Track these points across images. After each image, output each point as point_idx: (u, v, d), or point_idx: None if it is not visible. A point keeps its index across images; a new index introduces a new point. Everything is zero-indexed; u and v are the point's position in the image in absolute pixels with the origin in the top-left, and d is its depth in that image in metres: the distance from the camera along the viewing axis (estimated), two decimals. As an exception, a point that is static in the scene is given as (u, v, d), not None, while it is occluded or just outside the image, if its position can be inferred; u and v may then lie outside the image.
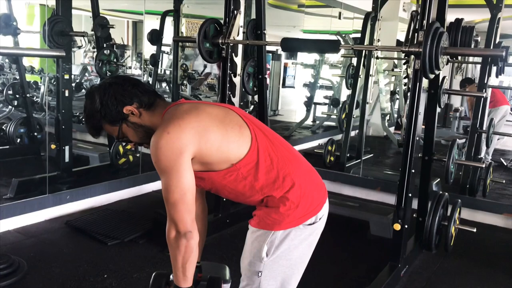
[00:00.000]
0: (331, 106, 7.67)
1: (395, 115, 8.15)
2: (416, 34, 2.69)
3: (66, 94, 4.19)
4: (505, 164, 6.42)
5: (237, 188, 1.56)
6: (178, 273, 1.50)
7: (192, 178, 1.46)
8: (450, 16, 3.36)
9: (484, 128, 4.78)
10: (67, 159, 4.26)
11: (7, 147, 5.21)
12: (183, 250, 1.46)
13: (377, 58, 5.99)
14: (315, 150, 6.31)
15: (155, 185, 4.69)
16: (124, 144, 1.57)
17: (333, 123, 7.58)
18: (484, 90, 4.48)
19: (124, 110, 1.53)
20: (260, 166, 1.52)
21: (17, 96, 5.46)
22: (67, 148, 4.26)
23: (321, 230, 1.67)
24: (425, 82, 2.88)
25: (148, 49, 7.07)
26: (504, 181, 5.25)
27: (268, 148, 1.55)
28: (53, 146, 4.28)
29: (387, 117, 7.59)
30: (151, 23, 6.71)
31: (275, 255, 1.56)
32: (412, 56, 2.72)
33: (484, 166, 4.27)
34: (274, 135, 1.62)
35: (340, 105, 6.42)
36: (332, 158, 5.69)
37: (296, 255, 1.59)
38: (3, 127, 5.43)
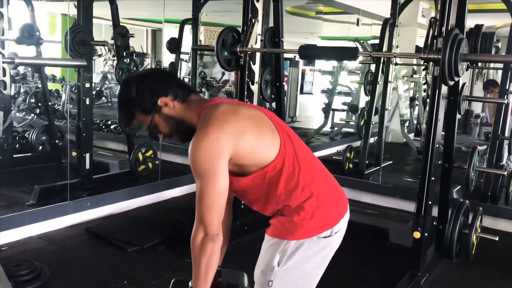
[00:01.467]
0: (350, 113, 7.63)
1: (415, 122, 8.08)
2: (435, 40, 2.67)
3: (87, 102, 4.26)
4: (528, 171, 6.29)
5: (259, 193, 1.56)
6: (200, 276, 1.49)
7: (227, 181, 1.47)
8: (470, 22, 3.33)
9: (506, 135, 4.70)
10: (87, 166, 4.32)
11: (30, 154, 5.31)
12: (209, 253, 1.45)
13: (396, 64, 5.96)
14: (333, 157, 6.29)
15: (174, 192, 4.73)
16: (154, 134, 1.60)
17: (351, 130, 7.54)
18: (505, 96, 4.41)
19: (159, 101, 1.55)
20: (283, 173, 1.52)
21: (39, 104, 5.57)
22: (87, 155, 4.32)
23: (337, 244, 1.65)
24: (444, 89, 2.86)
25: (167, 57, 7.14)
26: (527, 189, 5.14)
27: (293, 156, 1.55)
28: (74, 154, 4.34)
29: (407, 124, 7.52)
30: (170, 32, 6.79)
31: (287, 265, 1.55)
32: (431, 63, 2.71)
33: (506, 173, 4.20)
34: (299, 143, 1.62)
35: (359, 112, 6.40)
36: (351, 165, 5.66)
37: (308, 267, 1.58)
38: (25, 134, 5.54)
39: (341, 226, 1.61)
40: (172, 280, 1.73)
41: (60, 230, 3.73)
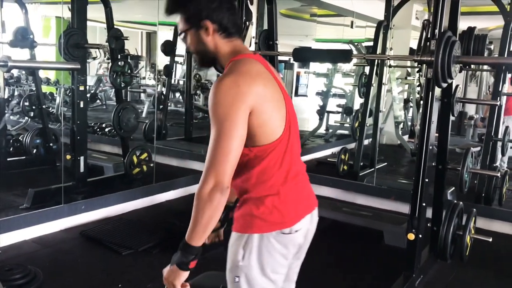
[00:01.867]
0: (344, 115, 7.65)
1: (409, 123, 8.11)
2: (428, 43, 2.69)
3: (81, 105, 4.25)
4: (522, 172, 6.32)
5: (239, 172, 1.52)
6: (199, 228, 1.41)
7: (245, 135, 1.42)
8: (463, 24, 3.35)
9: (499, 136, 4.73)
10: (82, 169, 4.31)
11: (24, 157, 5.29)
12: (215, 203, 1.38)
13: (390, 66, 5.98)
14: (328, 159, 6.31)
15: (169, 195, 4.72)
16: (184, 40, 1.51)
17: (346, 132, 7.56)
18: (498, 98, 4.44)
19: (203, 22, 1.51)
20: (262, 163, 1.50)
21: (33, 107, 5.56)
22: (82, 158, 4.31)
23: (297, 243, 1.60)
24: (438, 91, 2.87)
25: (162, 60, 7.15)
26: (520, 190, 5.17)
27: (282, 153, 1.53)
28: (68, 157, 4.32)
29: (401, 125, 7.55)
30: (165, 34, 6.79)
31: (250, 259, 1.53)
32: (424, 65, 2.72)
33: (499, 174, 4.22)
34: (295, 139, 1.59)
35: (353, 114, 6.41)
36: (345, 167, 5.67)
37: (270, 263, 1.55)
38: (19, 137, 5.53)
39: (302, 226, 1.58)
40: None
41: (54, 233, 3.72)
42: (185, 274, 1.48)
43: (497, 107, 4.54)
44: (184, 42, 1.59)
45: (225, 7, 1.51)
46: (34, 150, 5.34)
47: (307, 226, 1.62)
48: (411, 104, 7.82)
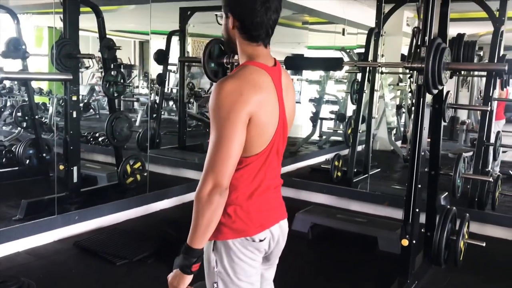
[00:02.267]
0: (337, 121, 7.67)
1: (402, 129, 8.15)
2: (418, 50, 2.72)
3: (74, 115, 4.24)
4: (514, 176, 6.37)
5: None
6: (199, 230, 1.43)
7: (244, 139, 1.43)
8: (454, 30, 3.39)
9: (491, 141, 4.76)
10: (75, 180, 4.29)
11: (16, 168, 5.27)
12: (215, 205, 1.40)
13: (382, 73, 6.02)
14: (322, 166, 6.32)
15: (163, 204, 4.71)
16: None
17: (339, 138, 7.58)
18: (489, 103, 4.48)
19: (228, 13, 1.51)
20: (236, 173, 1.49)
21: (26, 118, 5.54)
22: (75, 168, 4.30)
23: (263, 250, 1.60)
24: (429, 97, 2.90)
25: (155, 69, 7.15)
26: (513, 194, 5.21)
27: (256, 169, 1.53)
28: (61, 167, 4.31)
29: (394, 131, 7.58)
30: (157, 43, 6.81)
31: (222, 266, 1.54)
32: (415, 72, 2.75)
33: (491, 179, 4.25)
34: (274, 158, 1.58)
35: (346, 120, 6.43)
36: (339, 174, 5.69)
37: (241, 269, 1.55)
38: (12, 148, 5.50)
39: (267, 235, 1.58)
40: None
41: (48, 244, 3.70)
42: (189, 278, 1.49)
43: (488, 112, 4.58)
44: (219, 23, 1.60)
45: (250, 6, 1.46)
46: (27, 161, 5.32)
47: (274, 235, 1.62)
48: (404, 110, 7.86)
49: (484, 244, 3.29)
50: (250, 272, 1.58)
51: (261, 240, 1.56)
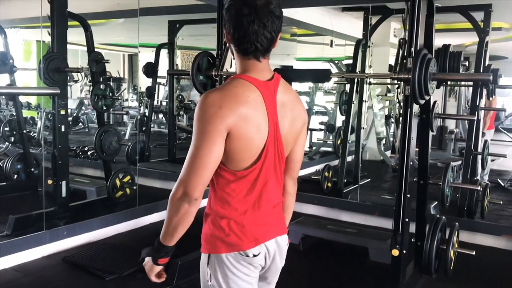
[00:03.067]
0: (327, 132, 7.70)
1: (391, 139, 8.19)
2: (404, 61, 2.75)
3: (62, 129, 4.22)
4: (503, 184, 6.42)
5: (210, 192, 1.58)
6: (168, 231, 1.49)
7: (221, 154, 1.45)
8: (440, 41, 3.43)
9: (479, 150, 4.80)
10: (64, 194, 4.26)
11: (4, 183, 5.20)
12: (182, 212, 1.43)
13: (370, 84, 6.07)
14: (312, 177, 6.32)
15: (153, 218, 4.68)
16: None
17: (329, 149, 7.61)
18: (476, 112, 4.52)
19: (225, 28, 1.52)
20: (230, 186, 1.51)
21: (14, 132, 5.49)
22: (64, 183, 4.26)
23: (259, 264, 1.58)
24: (416, 107, 2.92)
25: (145, 82, 7.15)
26: (502, 202, 5.23)
27: (249, 183, 1.52)
28: (50, 182, 4.27)
29: (383, 141, 7.62)
30: (147, 56, 6.81)
31: (216, 280, 1.54)
32: (402, 83, 2.77)
33: (480, 188, 4.28)
34: (271, 172, 1.56)
35: (336, 131, 6.46)
36: (329, 184, 5.70)
37: (235, 283, 1.54)
38: (0, 163, 5.44)
39: (262, 250, 1.56)
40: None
41: (36, 260, 3.65)
42: (157, 268, 1.57)
43: (475, 121, 4.62)
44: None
45: (237, 20, 1.45)
46: (15, 176, 5.26)
47: (270, 252, 1.60)
48: (392, 120, 7.91)
49: (474, 253, 3.31)
50: (244, 287, 1.56)
51: (254, 255, 1.55)
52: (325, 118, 8.11)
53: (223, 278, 1.54)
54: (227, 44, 1.59)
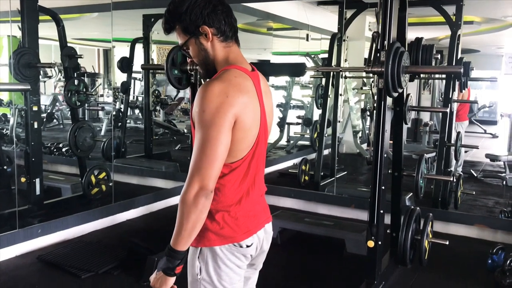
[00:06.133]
0: (304, 126, 7.74)
1: (367, 132, 8.28)
2: (378, 54, 2.77)
3: (35, 126, 4.15)
4: (475, 175, 6.56)
5: None
6: (184, 233, 1.42)
7: (229, 142, 1.44)
8: (414, 34, 3.47)
9: (452, 142, 4.88)
10: (38, 192, 4.19)
11: (-24, 182, 5.09)
12: (200, 208, 1.40)
13: (345, 77, 6.11)
14: (289, 170, 6.35)
15: (129, 214, 4.64)
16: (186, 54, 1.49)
17: (307, 143, 7.65)
18: (449, 105, 4.60)
19: (201, 28, 1.52)
20: (223, 179, 1.51)
21: (-15, 130, 5.37)
22: (37, 180, 4.19)
23: (250, 254, 1.61)
24: (390, 100, 2.95)
25: (120, 77, 7.06)
26: (474, 193, 5.36)
27: (242, 173, 1.54)
28: (23, 179, 4.20)
29: (359, 134, 7.70)
30: (122, 51, 6.72)
31: (206, 273, 1.54)
32: (376, 76, 2.80)
33: (453, 179, 4.36)
34: (261, 156, 1.60)
35: (312, 125, 6.50)
36: (306, 178, 5.73)
37: (226, 275, 1.56)
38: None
39: (254, 241, 1.60)
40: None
41: (9, 260, 3.58)
42: (172, 280, 1.49)
43: (448, 113, 4.70)
44: (187, 55, 1.61)
45: (219, 10, 1.53)
46: (-13, 174, 5.14)
47: (260, 240, 1.65)
48: (368, 113, 8.00)
49: (447, 243, 3.36)
50: (234, 279, 1.58)
51: (248, 246, 1.57)
52: (302, 112, 8.15)
53: (215, 270, 1.54)
54: (201, 43, 1.56)
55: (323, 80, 5.90)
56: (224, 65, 1.56)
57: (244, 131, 1.48)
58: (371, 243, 2.92)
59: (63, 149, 6.62)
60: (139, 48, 6.56)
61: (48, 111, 8.55)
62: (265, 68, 3.78)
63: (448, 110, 4.39)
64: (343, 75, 5.77)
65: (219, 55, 1.57)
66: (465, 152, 6.46)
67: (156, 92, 7.77)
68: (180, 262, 1.47)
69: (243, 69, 1.55)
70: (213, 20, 1.53)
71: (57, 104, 9.03)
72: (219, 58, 1.57)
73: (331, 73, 5.55)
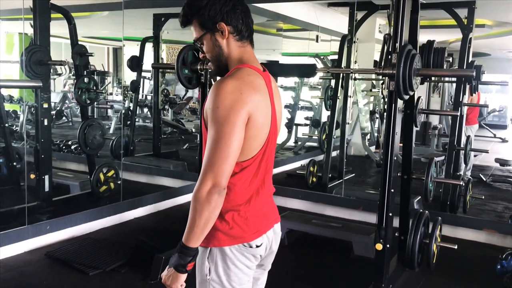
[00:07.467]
0: (312, 127, 7.73)
1: (376, 134, 8.25)
2: (389, 56, 2.76)
3: (45, 123, 4.17)
4: (484, 179, 6.51)
5: None
6: (196, 230, 1.43)
7: (243, 140, 1.45)
8: (425, 37, 3.45)
9: (461, 145, 4.85)
10: (47, 189, 4.21)
11: (-14, 178, 5.13)
12: (213, 205, 1.40)
13: (355, 79, 6.09)
14: (297, 171, 6.35)
15: (137, 212, 4.65)
16: (199, 49, 1.52)
17: (314, 144, 7.63)
18: (459, 108, 4.57)
19: (218, 25, 1.53)
20: (233, 178, 1.51)
21: (-4, 126, 5.39)
22: (46, 177, 4.21)
23: (259, 255, 1.61)
24: (401, 102, 2.94)
25: (129, 75, 7.08)
26: (483, 197, 5.32)
27: (252, 172, 1.55)
28: (32, 176, 4.22)
29: (368, 136, 7.68)
30: (132, 50, 6.74)
31: (216, 272, 1.54)
32: (387, 78, 2.78)
33: (462, 183, 4.33)
34: (270, 156, 1.60)
35: (321, 126, 6.49)
36: (314, 179, 5.72)
37: (236, 276, 1.56)
38: (-19, 157, 5.35)
39: (263, 241, 1.60)
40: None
41: (18, 256, 3.61)
42: (183, 277, 1.49)
43: (458, 117, 4.67)
44: (200, 50, 1.62)
45: (238, 9, 1.55)
46: (-3, 170, 5.18)
47: (269, 240, 1.64)
48: (377, 115, 7.97)
49: (456, 247, 3.34)
50: (243, 279, 1.58)
51: (257, 246, 1.57)
52: (310, 113, 8.14)
53: (225, 271, 1.54)
54: (217, 40, 1.56)
55: (332, 81, 5.88)
56: (237, 63, 1.57)
57: (256, 129, 1.49)
58: (379, 246, 2.90)
59: (72, 147, 6.65)
60: (148, 47, 6.58)
61: (58, 108, 8.60)
62: (274, 69, 3.78)
63: (458, 113, 4.36)
64: (353, 77, 5.75)
65: (233, 53, 1.57)
66: (474, 156, 6.42)
67: (165, 91, 7.79)
68: (192, 258, 1.48)
69: (255, 68, 1.56)
70: (231, 18, 1.54)
71: (67, 101, 9.09)
72: (233, 57, 1.58)
73: (341, 74, 5.54)
